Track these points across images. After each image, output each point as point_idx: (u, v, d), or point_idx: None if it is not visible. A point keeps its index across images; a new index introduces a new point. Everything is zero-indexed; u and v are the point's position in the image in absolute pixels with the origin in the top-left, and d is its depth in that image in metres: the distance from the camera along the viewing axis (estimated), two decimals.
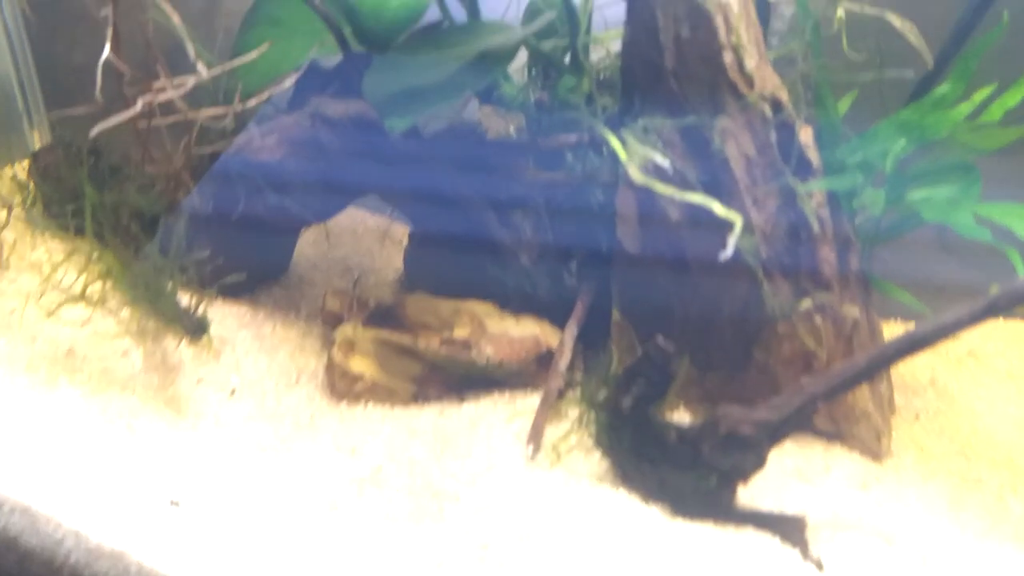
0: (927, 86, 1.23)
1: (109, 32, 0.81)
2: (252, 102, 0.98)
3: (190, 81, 0.86)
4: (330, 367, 1.08)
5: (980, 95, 1.10)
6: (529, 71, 1.21)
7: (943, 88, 1.10)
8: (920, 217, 1.10)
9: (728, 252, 0.88)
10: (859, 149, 1.12)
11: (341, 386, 1.07)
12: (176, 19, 0.83)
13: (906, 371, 1.24)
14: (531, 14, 1.24)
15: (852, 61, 1.12)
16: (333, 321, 1.13)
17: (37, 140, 1.48)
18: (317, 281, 1.32)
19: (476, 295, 1.13)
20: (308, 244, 1.38)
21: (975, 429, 1.13)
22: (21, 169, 1.43)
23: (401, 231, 1.47)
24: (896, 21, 1.13)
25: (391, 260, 1.40)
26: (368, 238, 1.45)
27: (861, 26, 1.14)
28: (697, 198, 0.92)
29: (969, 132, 1.11)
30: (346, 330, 1.08)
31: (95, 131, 0.85)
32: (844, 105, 1.17)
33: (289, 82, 1.03)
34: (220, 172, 1.07)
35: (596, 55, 1.20)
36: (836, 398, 0.88)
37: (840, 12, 1.13)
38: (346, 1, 0.87)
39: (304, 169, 1.10)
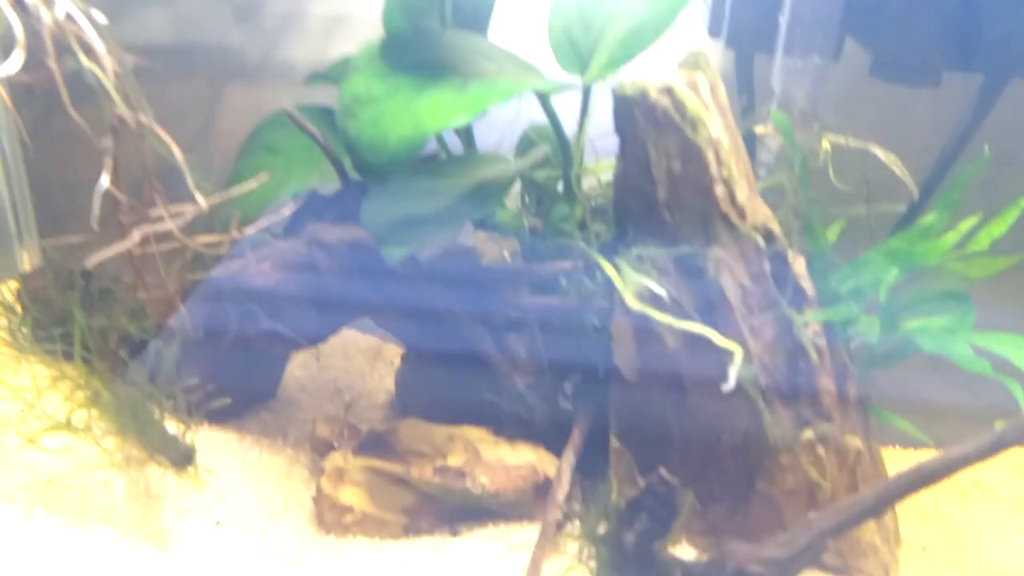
0: (913, 215, 1.27)
1: (107, 162, 0.82)
2: (249, 230, 0.98)
3: (188, 212, 0.87)
4: (319, 498, 1.04)
5: (966, 224, 1.12)
6: (523, 198, 1.23)
7: (930, 218, 1.12)
8: (915, 345, 1.10)
9: (731, 384, 0.86)
10: (850, 277, 1.13)
11: (329, 518, 1.02)
12: (176, 151, 0.84)
13: (911, 502, 1.21)
14: (525, 144, 1.27)
15: (839, 191, 1.15)
16: (323, 448, 1.10)
17: (27, 261, 1.48)
18: (306, 405, 1.29)
19: (470, 420, 1.11)
20: (297, 366, 1.36)
21: (982, 561, 1.09)
22: (7, 290, 1.42)
23: (393, 352, 1.45)
24: (880, 153, 1.17)
25: (383, 382, 1.37)
26: (359, 359, 1.43)
27: (847, 157, 1.18)
28: (695, 327, 0.91)
29: (958, 261, 1.13)
30: (336, 459, 1.05)
31: (92, 261, 0.84)
32: (833, 234, 1.19)
33: (288, 211, 1.04)
34: (211, 295, 1.06)
35: (587, 183, 1.22)
36: (844, 533, 0.85)
37: (826, 144, 1.17)
38: (346, 134, 0.88)
39: (298, 293, 1.09)
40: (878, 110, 1.25)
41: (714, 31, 1.28)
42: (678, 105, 0.92)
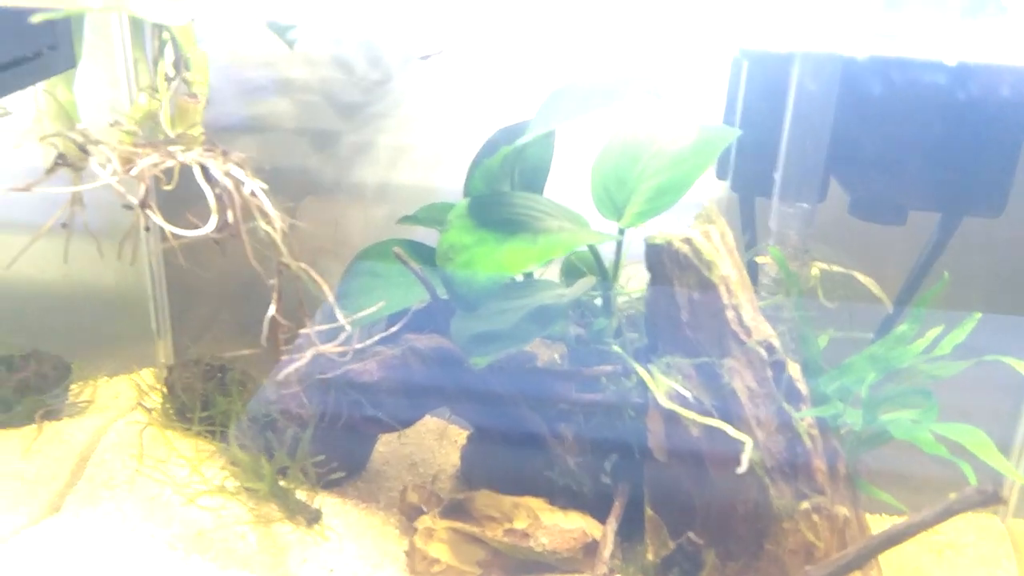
0: (888, 326, 1.51)
1: (274, 296, 1.09)
2: (369, 341, 1.25)
3: (341, 337, 1.13)
4: (411, 551, 1.27)
5: (932, 333, 1.36)
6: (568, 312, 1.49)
7: (902, 328, 1.36)
8: (889, 434, 1.33)
9: (743, 467, 1.10)
10: (838, 378, 1.37)
11: (420, 568, 1.25)
12: (325, 288, 1.11)
13: (895, 561, 1.42)
14: (568, 270, 1.53)
15: (827, 309, 1.40)
16: (411, 511, 1.33)
17: (160, 352, 1.75)
18: (390, 475, 1.53)
19: (528, 491, 1.34)
20: (382, 443, 1.61)
21: None
22: (140, 377, 1.69)
23: (455, 432, 1.70)
24: (861, 278, 1.43)
25: (448, 457, 1.61)
26: (429, 438, 1.67)
27: (832, 280, 1.43)
28: (714, 423, 1.16)
29: (926, 364, 1.37)
30: (426, 520, 1.28)
31: (280, 376, 1.10)
32: (823, 342, 1.43)
33: (395, 328, 1.30)
34: (328, 388, 1.32)
35: (621, 299, 1.48)
36: None
37: (815, 271, 1.43)
38: (444, 273, 1.15)
39: (394, 387, 1.35)
40: (858, 242, 1.50)
41: (721, 175, 1.55)
42: (696, 251, 1.19)
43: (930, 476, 1.58)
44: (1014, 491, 1.58)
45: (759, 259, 1.43)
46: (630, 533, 1.30)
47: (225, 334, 1.80)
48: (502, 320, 1.25)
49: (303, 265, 1.09)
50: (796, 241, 1.41)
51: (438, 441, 1.66)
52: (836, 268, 1.44)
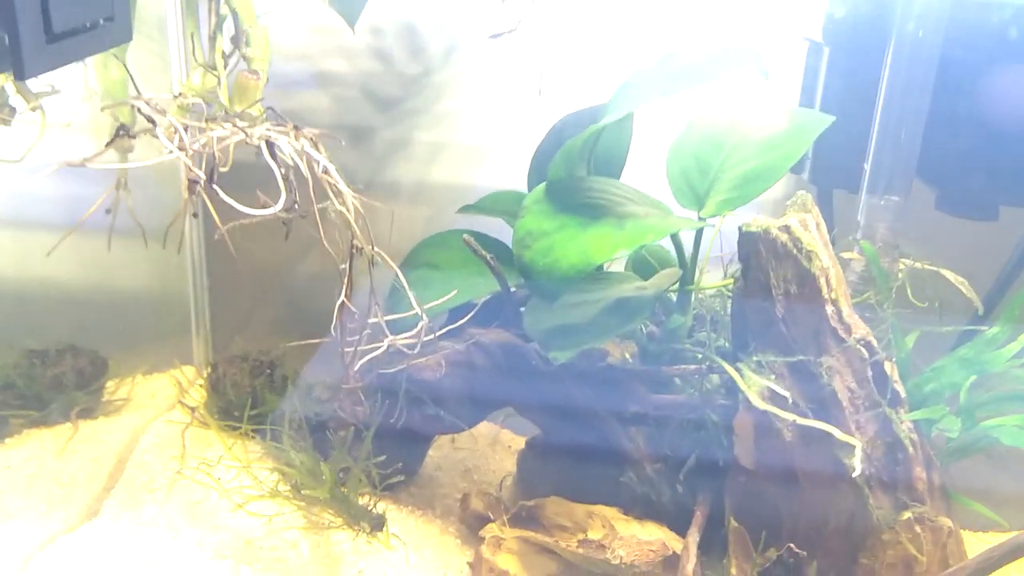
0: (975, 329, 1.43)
1: (345, 281, 1.01)
2: (434, 335, 1.17)
3: (420, 325, 1.05)
4: (477, 562, 1.19)
5: None
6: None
7: (993, 330, 1.29)
8: (986, 442, 1.25)
9: (858, 471, 1.02)
10: (930, 382, 1.29)
11: None
12: (400, 274, 1.04)
13: None
14: (636, 261, 1.46)
15: (916, 307, 1.32)
16: (474, 520, 1.25)
17: (197, 349, 1.68)
18: (444, 481, 1.45)
19: (597, 500, 1.26)
20: (433, 448, 1.53)
21: None
22: (181, 373, 1.62)
23: (507, 437, 1.62)
24: (950, 276, 1.35)
25: (502, 464, 1.53)
26: (482, 443, 1.59)
27: (920, 278, 1.35)
28: (818, 424, 1.08)
29: (1020, 368, 1.29)
30: (493, 529, 1.20)
31: (350, 364, 1.03)
32: (910, 343, 1.36)
33: (461, 321, 1.23)
34: (391, 385, 1.24)
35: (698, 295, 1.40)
36: None
37: (902, 266, 1.35)
38: (521, 261, 1.07)
39: (458, 386, 1.27)
40: (949, 239, 1.43)
41: (796, 169, 1.48)
42: (795, 240, 1.11)
43: (1012, 491, 1.50)
44: None
45: (845, 254, 1.36)
46: (708, 547, 1.21)
47: (264, 330, 1.73)
48: (579, 314, 1.17)
49: (378, 249, 1.01)
50: (886, 236, 1.34)
51: (491, 447, 1.58)
52: (925, 265, 1.36)
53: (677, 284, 1.30)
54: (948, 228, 1.45)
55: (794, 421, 1.08)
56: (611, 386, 1.26)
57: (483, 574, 1.18)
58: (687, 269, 1.28)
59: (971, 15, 1.27)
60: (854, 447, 1.09)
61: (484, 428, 1.64)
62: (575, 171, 1.22)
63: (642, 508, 1.24)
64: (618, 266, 1.47)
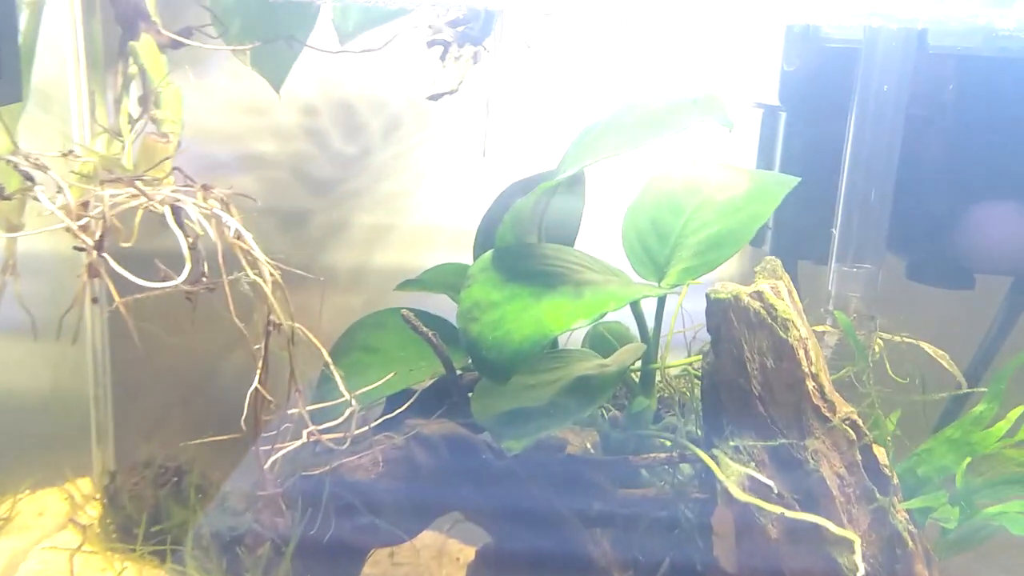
0: (959, 405, 1.36)
1: (260, 364, 0.89)
2: (364, 428, 1.04)
3: (346, 412, 0.93)
4: None
5: (1014, 413, 1.21)
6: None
7: (979, 408, 1.21)
8: (986, 533, 1.16)
9: (860, 572, 0.91)
10: (921, 465, 1.20)
11: None
12: (325, 353, 0.92)
13: None
14: (594, 339, 1.37)
15: (896, 384, 1.25)
16: None
17: (99, 458, 1.50)
18: None
19: None
20: (371, 564, 1.36)
21: None
22: (74, 487, 1.44)
23: (454, 547, 1.46)
24: (929, 349, 1.28)
25: None
26: (425, 555, 1.43)
27: (899, 353, 1.28)
28: (810, 518, 0.97)
29: (1013, 448, 1.21)
30: None
31: (267, 465, 0.89)
32: (891, 424, 1.27)
33: (396, 412, 1.10)
34: (316, 492, 1.10)
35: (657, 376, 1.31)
36: None
37: (879, 342, 1.29)
38: (467, 336, 0.97)
39: (397, 488, 1.13)
40: (924, 310, 1.38)
41: (755, 242, 1.42)
42: (768, 307, 1.03)
43: None
44: None
45: (818, 327, 1.28)
46: None
47: (179, 435, 1.57)
48: (534, 396, 1.06)
49: (298, 325, 0.89)
50: (860, 307, 1.28)
51: (436, 560, 1.42)
52: (903, 338, 1.29)
53: (640, 363, 1.21)
54: (923, 298, 1.40)
55: (781, 515, 0.97)
56: (572, 482, 1.14)
57: None
58: (650, 345, 1.18)
59: (939, 67, 1.25)
60: (852, 543, 0.99)
61: (428, 538, 1.48)
62: (525, 237, 1.13)
63: None
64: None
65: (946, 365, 1.30)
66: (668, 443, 1.16)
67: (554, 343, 1.28)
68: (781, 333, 1.03)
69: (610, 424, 1.24)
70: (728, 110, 1.01)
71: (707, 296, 1.06)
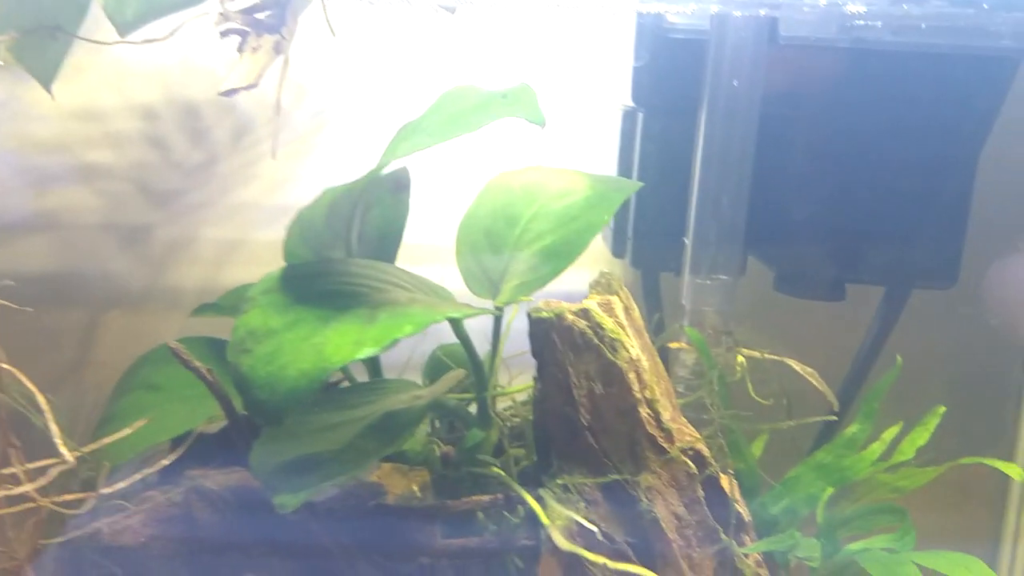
0: (833, 428, 1.30)
1: None
2: (120, 484, 0.91)
3: (52, 472, 0.79)
4: None
5: (889, 434, 1.16)
6: (432, 424, 1.20)
7: (852, 429, 1.15)
8: (855, 569, 1.09)
9: None
10: (783, 496, 1.13)
11: None
12: (39, 396, 0.78)
13: None
14: (432, 366, 1.26)
15: (756, 407, 1.17)
16: None
17: None
18: None
19: None
20: None
21: None
22: None
23: None
24: (796, 367, 1.22)
25: None
26: None
27: (764, 371, 1.21)
28: (632, 568, 0.87)
29: (886, 473, 1.15)
30: None
31: None
32: (757, 450, 1.20)
33: (169, 460, 0.97)
34: (69, 559, 0.95)
35: (502, 404, 1.21)
36: None
37: (740, 359, 1.21)
38: (238, 371, 0.85)
39: (173, 552, 0.99)
40: (790, 325, 1.32)
41: (618, 252, 1.35)
42: (595, 327, 0.94)
43: None
44: None
45: (672, 345, 1.20)
46: None
47: None
48: (330, 439, 0.94)
49: (8, 366, 0.75)
50: (716, 322, 1.20)
51: None
52: (767, 355, 1.22)
53: (476, 390, 1.11)
54: (792, 313, 1.35)
55: (604, 566, 0.87)
56: (386, 533, 1.02)
57: None
58: (481, 371, 1.08)
59: (795, 57, 1.19)
60: None
61: None
62: (325, 251, 1.02)
63: None
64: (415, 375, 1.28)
65: (816, 383, 1.24)
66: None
67: (377, 371, 1.17)
68: (609, 355, 0.94)
69: (442, 462, 1.13)
70: (538, 105, 0.92)
71: (528, 316, 0.97)
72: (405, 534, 1.02)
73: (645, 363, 0.97)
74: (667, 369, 1.18)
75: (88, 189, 1.56)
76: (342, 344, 0.85)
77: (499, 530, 1.03)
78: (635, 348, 0.96)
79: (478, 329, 1.10)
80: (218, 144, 1.56)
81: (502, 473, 1.02)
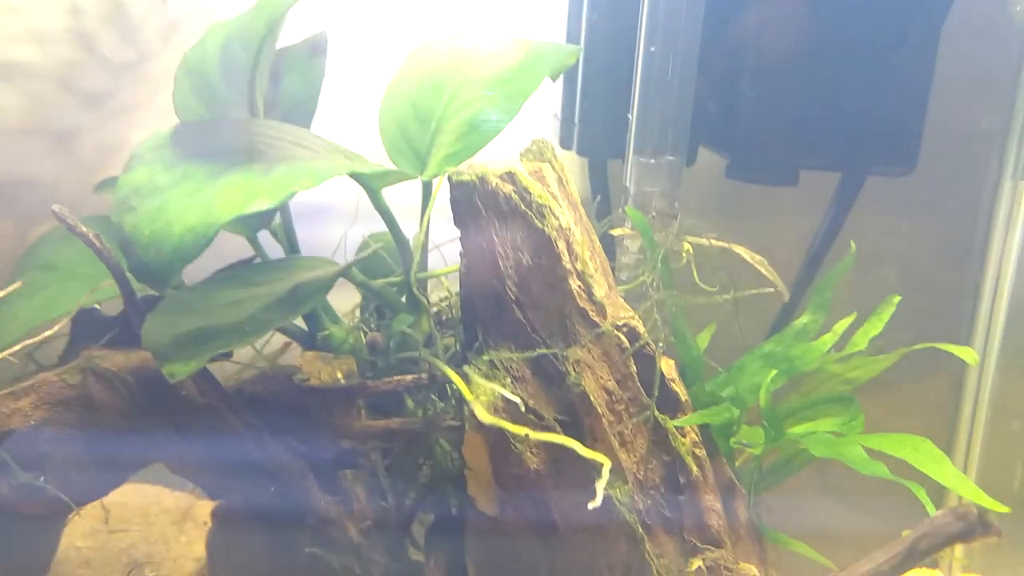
0: (786, 318, 1.26)
1: None
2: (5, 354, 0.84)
3: None
4: None
5: (841, 325, 1.11)
6: (362, 312, 1.14)
7: (803, 319, 1.11)
8: (803, 458, 1.06)
9: (597, 500, 0.77)
10: (728, 384, 1.09)
11: None
12: None
13: None
14: (361, 251, 1.20)
15: (707, 299, 1.12)
16: None
17: None
18: None
19: None
20: (81, 535, 1.16)
21: None
22: None
23: (205, 510, 1.27)
24: (745, 254, 1.16)
25: (192, 548, 1.18)
26: (163, 521, 1.24)
27: (712, 260, 1.16)
28: (555, 438, 0.82)
29: (837, 363, 1.11)
30: None
31: None
32: (704, 340, 1.16)
33: (54, 331, 0.90)
34: None
35: (438, 295, 1.15)
36: None
37: (687, 245, 1.16)
38: (122, 232, 0.77)
39: (68, 438, 0.93)
40: (743, 218, 1.26)
41: (565, 143, 1.28)
42: (522, 191, 0.88)
43: (852, 525, 1.34)
44: None
45: (616, 231, 1.15)
46: None
47: None
48: (232, 313, 0.88)
49: None
50: (660, 205, 1.15)
51: (178, 525, 1.23)
52: (713, 241, 1.17)
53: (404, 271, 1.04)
54: (744, 204, 1.29)
55: (527, 436, 0.82)
56: (303, 416, 0.97)
57: None
58: (406, 250, 1.02)
59: None
60: (625, 474, 0.86)
61: (171, 500, 1.29)
62: (224, 109, 0.94)
63: None
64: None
65: (765, 272, 1.19)
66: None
67: (293, 248, 1.10)
68: (537, 222, 0.88)
69: (369, 349, 1.07)
70: None
71: (449, 180, 0.90)
72: (321, 416, 0.96)
73: (578, 235, 0.91)
74: (611, 257, 1.12)
75: (10, 88, 1.46)
76: (232, 198, 0.78)
77: (423, 412, 0.98)
78: (566, 217, 0.90)
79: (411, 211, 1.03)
80: (148, 42, 1.46)
81: (428, 355, 0.96)
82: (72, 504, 0.91)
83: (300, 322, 1.11)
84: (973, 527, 0.72)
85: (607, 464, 0.79)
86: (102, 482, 0.97)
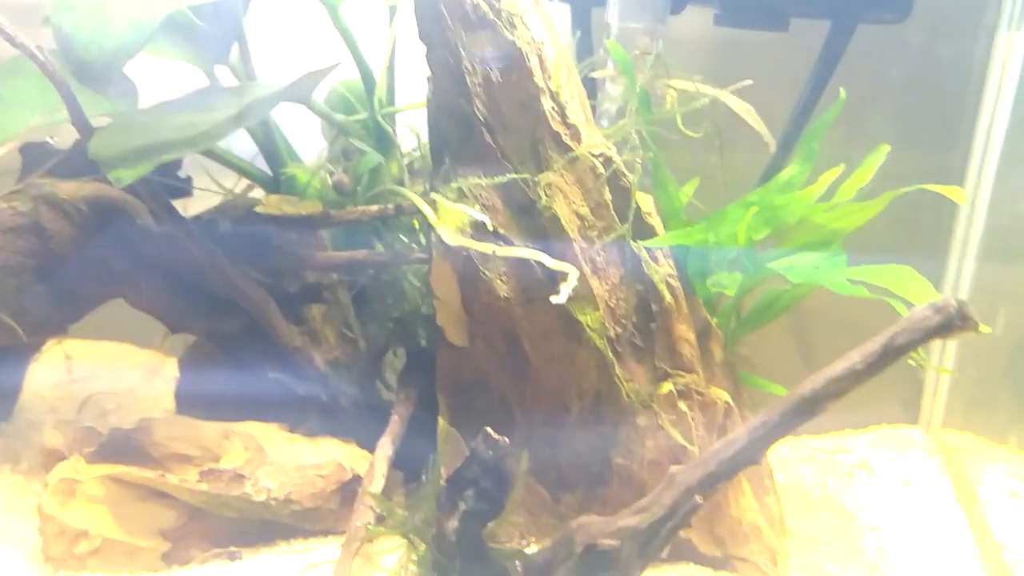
0: (774, 170, 1.23)
1: None
2: None
3: None
4: (43, 524, 0.83)
5: (828, 176, 1.08)
6: (329, 154, 1.11)
7: (790, 170, 1.08)
8: (782, 303, 1.05)
9: (562, 297, 0.75)
10: (708, 231, 1.06)
11: (57, 549, 0.82)
12: None
13: (794, 489, 1.13)
14: (333, 100, 1.16)
15: (693, 149, 1.09)
16: (53, 463, 0.89)
17: None
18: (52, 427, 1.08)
19: (264, 417, 0.94)
20: (48, 385, 1.15)
21: (880, 548, 1.01)
22: None
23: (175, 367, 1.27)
24: (732, 103, 1.12)
25: (160, 400, 1.18)
26: (132, 375, 1.23)
27: (698, 109, 1.12)
28: (521, 252, 0.80)
29: (823, 213, 1.09)
30: (64, 468, 0.85)
31: None
32: (689, 191, 1.13)
33: (2, 152, 0.87)
34: None
35: (410, 144, 1.12)
36: (715, 489, 0.74)
37: (672, 92, 1.12)
38: (61, 34, 0.74)
39: (21, 266, 0.91)
40: (730, 68, 1.22)
41: None
42: (491, 1, 0.83)
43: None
44: (942, 386, 1.34)
45: (596, 73, 1.10)
46: (419, 466, 0.92)
47: None
48: (185, 131, 0.84)
49: None
50: (645, 45, 1.10)
51: (146, 380, 1.23)
52: (699, 87, 1.12)
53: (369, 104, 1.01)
54: (733, 52, 1.25)
55: (494, 254, 0.80)
56: (265, 247, 0.95)
57: (50, 541, 0.83)
58: (369, 78, 0.98)
59: None
60: (594, 299, 0.84)
61: (140, 356, 1.28)
62: None
63: (317, 419, 0.94)
64: None
65: (751, 122, 1.15)
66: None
67: (252, 76, 1.05)
68: (507, 33, 0.84)
69: (335, 189, 1.04)
70: None
71: None
72: (284, 248, 0.94)
73: (552, 53, 0.87)
74: (594, 106, 1.08)
75: None
76: None
77: (390, 243, 0.95)
78: (538, 29, 0.86)
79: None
80: None
81: (395, 187, 0.93)
82: (22, 334, 0.89)
83: (263, 166, 1.08)
84: (952, 320, 0.70)
85: (574, 272, 0.77)
86: (59, 315, 0.95)
